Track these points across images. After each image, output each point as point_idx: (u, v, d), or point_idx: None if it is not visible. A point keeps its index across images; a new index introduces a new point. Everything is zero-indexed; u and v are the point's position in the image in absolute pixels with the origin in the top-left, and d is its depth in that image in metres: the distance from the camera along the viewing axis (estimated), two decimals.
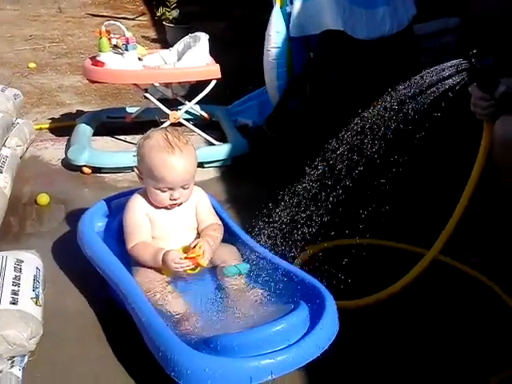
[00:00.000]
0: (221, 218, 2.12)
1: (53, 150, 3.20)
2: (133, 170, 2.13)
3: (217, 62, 3.15)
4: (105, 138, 3.31)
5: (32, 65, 4.51)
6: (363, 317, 1.92)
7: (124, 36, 2.98)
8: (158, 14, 5.33)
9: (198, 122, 3.40)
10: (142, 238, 1.96)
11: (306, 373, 1.67)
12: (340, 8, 3.10)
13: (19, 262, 1.99)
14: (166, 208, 2.00)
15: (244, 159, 3.09)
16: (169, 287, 1.88)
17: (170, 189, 1.95)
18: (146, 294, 1.80)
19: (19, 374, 1.68)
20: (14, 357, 1.70)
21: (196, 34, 3.20)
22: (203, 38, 3.13)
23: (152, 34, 5.63)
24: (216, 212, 2.13)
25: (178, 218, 2.02)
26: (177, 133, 2.00)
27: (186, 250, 1.93)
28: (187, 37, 3.27)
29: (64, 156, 3.06)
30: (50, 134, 3.40)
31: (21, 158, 3.00)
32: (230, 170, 3.05)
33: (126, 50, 2.98)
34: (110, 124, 3.42)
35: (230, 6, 6.03)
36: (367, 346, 1.83)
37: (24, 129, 3.09)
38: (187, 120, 3.27)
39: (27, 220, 2.56)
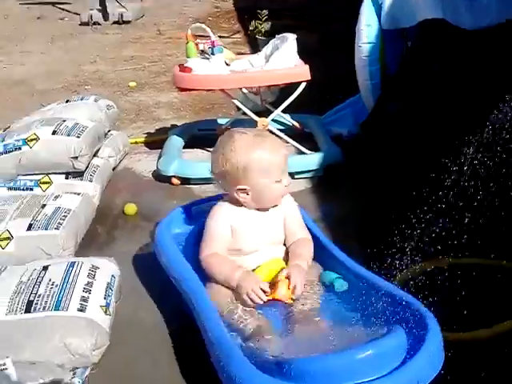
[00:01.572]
0: (311, 232, 1.92)
1: (145, 162, 3.21)
2: None
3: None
4: (196, 150, 3.26)
5: (132, 83, 4.64)
6: (476, 352, 1.59)
7: (210, 39, 2.92)
8: (251, 28, 5.31)
9: (290, 132, 3.21)
10: (220, 248, 1.80)
11: None
12: None
13: (94, 268, 1.93)
14: (245, 219, 1.81)
15: (338, 170, 2.87)
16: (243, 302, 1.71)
17: (279, 180, 1.79)
18: (218, 307, 1.66)
19: None
20: (76, 368, 1.62)
21: (283, 34, 3.07)
22: (290, 38, 2.98)
23: (247, 49, 5.63)
24: (306, 224, 1.93)
25: (265, 229, 1.82)
26: (249, 128, 1.95)
27: (270, 273, 1.71)
28: (274, 39, 3.14)
29: (155, 168, 3.05)
30: (145, 148, 3.44)
31: (114, 169, 3.04)
32: (322, 182, 2.85)
33: (213, 53, 2.92)
34: (201, 136, 3.36)
35: (322, 19, 5.87)
36: None
37: (117, 140, 3.13)
38: (278, 130, 3.10)
39: (114, 229, 2.56)
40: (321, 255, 1.85)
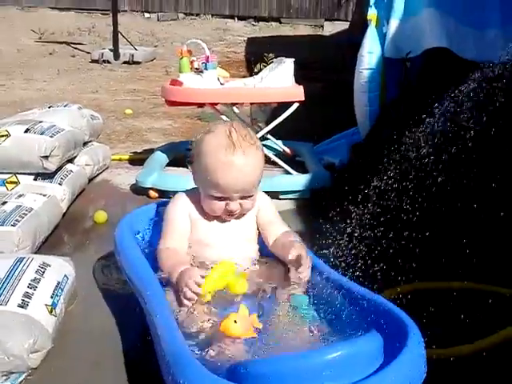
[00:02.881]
0: None
1: (125, 176, 3.06)
2: None
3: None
4: (181, 168, 3.10)
5: (128, 111, 4.57)
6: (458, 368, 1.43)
7: (205, 54, 2.83)
8: (256, 71, 5.27)
9: (281, 158, 3.05)
10: (177, 239, 1.65)
11: None
12: (444, 27, 2.77)
13: (45, 265, 1.77)
14: (218, 218, 1.65)
15: (325, 194, 2.68)
16: (203, 307, 1.49)
17: (226, 198, 1.60)
18: (176, 311, 1.45)
19: None
20: (11, 372, 1.41)
21: (281, 57, 2.98)
22: (288, 61, 2.90)
23: None
24: None
25: (228, 223, 1.67)
26: (244, 130, 1.63)
27: (221, 278, 1.48)
28: (272, 63, 3.06)
29: (135, 182, 2.88)
30: (128, 164, 3.30)
31: (91, 180, 2.88)
32: (308, 204, 2.69)
33: (206, 68, 2.82)
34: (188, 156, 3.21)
35: (327, 70, 5.85)
36: None
37: (98, 151, 3.00)
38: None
39: (80, 236, 2.40)
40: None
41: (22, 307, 1.53)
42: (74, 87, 5.54)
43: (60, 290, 1.70)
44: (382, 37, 2.87)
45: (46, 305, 1.60)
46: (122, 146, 3.69)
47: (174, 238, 1.64)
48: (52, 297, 1.65)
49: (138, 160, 3.29)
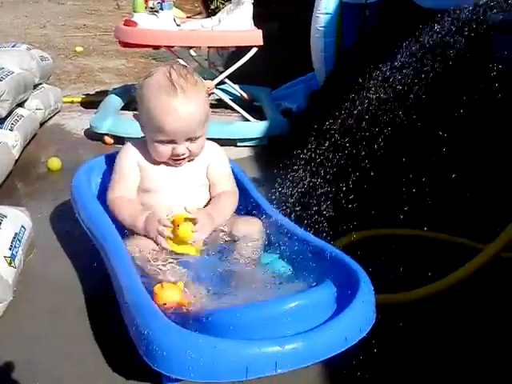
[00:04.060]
0: (244, 189, 1.73)
1: (79, 121, 2.97)
2: None
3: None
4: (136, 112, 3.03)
5: (79, 49, 4.38)
6: (407, 314, 1.51)
7: None
8: (212, 7, 5.14)
9: (238, 102, 3.02)
10: (127, 187, 1.62)
11: (322, 373, 1.27)
12: None
13: (1, 216, 1.72)
14: (168, 164, 1.63)
15: (283, 141, 2.69)
16: (164, 256, 1.49)
17: (172, 141, 1.56)
18: (136, 261, 1.44)
19: None
20: None
21: None
22: (246, 2, 2.81)
23: None
24: (238, 180, 1.74)
25: (178, 171, 1.64)
26: (184, 70, 1.58)
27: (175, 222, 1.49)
28: (230, 4, 2.96)
29: (89, 127, 2.80)
30: (81, 107, 3.19)
31: (42, 124, 2.79)
32: (266, 151, 2.68)
33: (161, 9, 2.71)
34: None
35: (284, 6, 5.76)
36: (405, 349, 1.40)
37: (49, 94, 2.88)
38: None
39: (33, 184, 2.33)
40: (248, 206, 1.68)
41: None
42: (19, 21, 5.25)
43: (18, 242, 1.68)
44: None
45: (4, 257, 1.58)
46: (73, 86, 3.56)
47: (124, 187, 1.61)
48: (10, 248, 1.62)
49: (90, 103, 3.19)
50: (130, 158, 1.64)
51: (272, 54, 2.85)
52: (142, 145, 1.65)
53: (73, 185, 1.80)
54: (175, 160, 1.59)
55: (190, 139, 1.57)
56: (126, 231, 1.58)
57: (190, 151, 1.59)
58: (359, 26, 2.75)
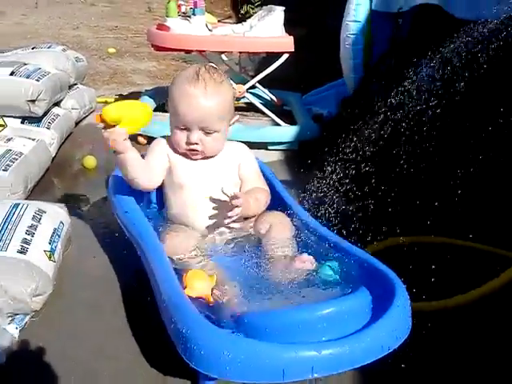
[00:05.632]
0: (273, 187, 1.78)
1: None
2: None
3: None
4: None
5: (111, 50, 4.48)
6: (443, 321, 1.51)
7: (193, 0, 2.78)
8: (242, 12, 5.20)
9: (269, 107, 3.05)
10: (152, 164, 1.67)
11: (360, 379, 1.29)
12: None
13: (40, 212, 1.79)
14: (186, 156, 1.67)
15: (313, 146, 2.69)
16: (199, 252, 1.54)
17: (186, 129, 1.62)
18: (172, 258, 1.48)
19: (15, 332, 1.44)
20: (16, 314, 1.46)
21: (271, 5, 2.95)
22: (278, 9, 2.87)
23: None
24: (267, 180, 1.79)
25: (210, 167, 1.68)
26: (214, 70, 1.67)
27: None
28: (261, 10, 3.02)
29: None
30: None
31: (77, 123, 2.87)
32: (296, 155, 2.71)
33: (194, 14, 2.78)
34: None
35: (316, 12, 5.80)
36: (440, 357, 1.41)
37: (84, 94, 2.97)
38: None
39: (70, 181, 2.40)
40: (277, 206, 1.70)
41: (22, 253, 1.56)
42: (53, 22, 5.38)
43: (57, 237, 1.73)
44: None
45: (44, 251, 1.63)
46: (106, 87, 3.65)
47: (151, 163, 1.67)
48: (50, 243, 1.68)
49: None
50: (161, 148, 1.70)
51: (301, 59, 2.88)
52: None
53: (109, 182, 1.86)
54: (190, 150, 1.64)
55: (204, 130, 1.62)
56: (160, 228, 1.63)
57: (204, 145, 1.63)
58: (391, 34, 2.78)
